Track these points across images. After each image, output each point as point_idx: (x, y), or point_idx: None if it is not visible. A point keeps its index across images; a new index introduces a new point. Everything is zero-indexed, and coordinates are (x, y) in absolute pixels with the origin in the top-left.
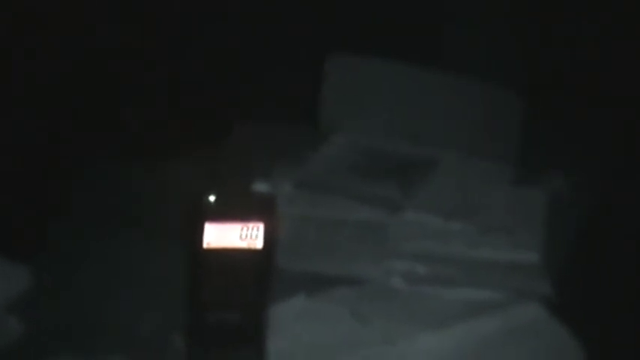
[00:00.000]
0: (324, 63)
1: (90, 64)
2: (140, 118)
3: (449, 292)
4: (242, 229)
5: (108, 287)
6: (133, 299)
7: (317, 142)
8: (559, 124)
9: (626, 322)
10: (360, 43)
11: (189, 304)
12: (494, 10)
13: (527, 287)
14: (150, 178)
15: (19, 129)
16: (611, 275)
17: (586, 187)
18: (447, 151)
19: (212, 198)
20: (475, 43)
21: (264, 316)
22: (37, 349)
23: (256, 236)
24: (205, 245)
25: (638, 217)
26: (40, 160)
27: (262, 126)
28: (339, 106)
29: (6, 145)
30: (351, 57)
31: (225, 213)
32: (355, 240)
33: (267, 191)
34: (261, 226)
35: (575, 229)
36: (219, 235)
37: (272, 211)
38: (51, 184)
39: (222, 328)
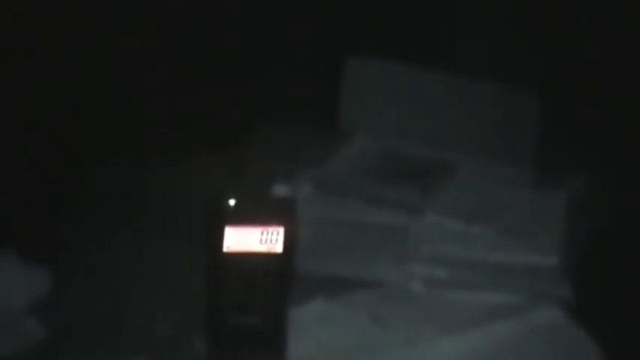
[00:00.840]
0: (345, 65)
1: (105, 64)
2: (160, 119)
3: (468, 296)
4: (262, 232)
5: (126, 289)
6: (152, 301)
7: (337, 145)
8: (577, 125)
9: None
10: (378, 46)
11: (209, 307)
12: (509, 9)
13: (546, 290)
14: (170, 180)
15: (32, 133)
16: (630, 278)
17: (604, 189)
18: (466, 154)
19: (232, 201)
20: (491, 44)
21: (283, 320)
22: (55, 351)
23: (276, 240)
24: (225, 249)
25: None
26: (54, 162)
27: (282, 128)
28: (358, 108)
29: (19, 148)
30: (370, 59)
31: (245, 217)
32: (375, 243)
33: (287, 195)
34: (281, 230)
35: (594, 232)
36: (239, 239)
37: (292, 215)
38: (66, 187)
39: (241, 331)
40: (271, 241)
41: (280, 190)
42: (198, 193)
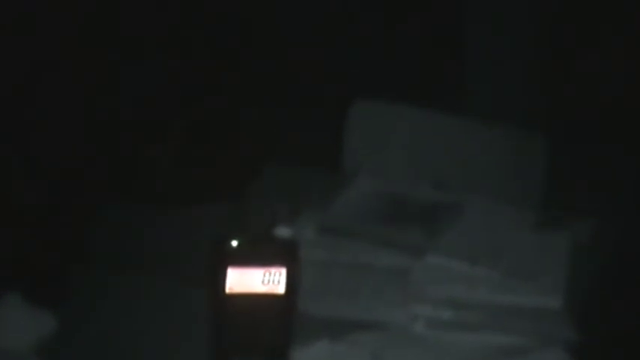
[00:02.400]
0: (350, 107)
1: (117, 113)
2: (164, 161)
3: (472, 337)
4: (264, 274)
5: (132, 331)
6: (157, 342)
7: (341, 188)
8: (582, 168)
9: None
10: (383, 88)
11: (212, 349)
12: (518, 53)
13: (551, 332)
14: (174, 222)
15: (42, 173)
16: (635, 321)
17: (610, 232)
18: (471, 196)
19: (235, 243)
20: (498, 86)
21: None
22: None
23: (278, 281)
24: (228, 290)
25: None
26: (62, 205)
27: (286, 171)
28: (362, 151)
29: (28, 187)
30: (374, 102)
31: (247, 258)
32: (379, 285)
33: (289, 236)
34: (283, 271)
35: (599, 275)
36: (241, 280)
37: (294, 256)
38: (74, 229)
39: None
40: (273, 282)
41: (282, 231)
42: (201, 235)
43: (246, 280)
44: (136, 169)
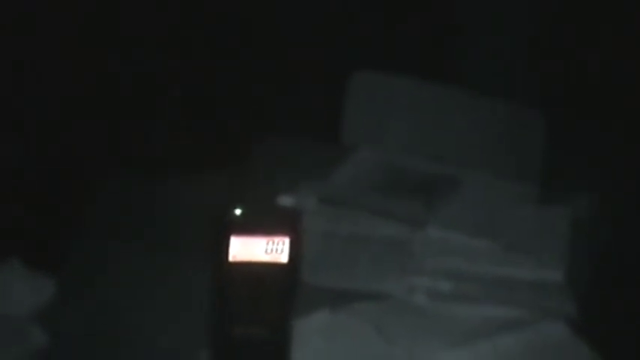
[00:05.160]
0: (350, 78)
1: (116, 78)
2: (166, 131)
3: (472, 310)
4: (267, 243)
5: (131, 300)
6: (156, 312)
7: (342, 158)
8: (582, 141)
9: None
10: (383, 60)
11: (214, 318)
12: (518, 25)
13: (551, 306)
14: (176, 191)
15: (38, 143)
16: (635, 295)
17: (610, 206)
18: (471, 168)
19: (238, 211)
20: (499, 59)
21: (288, 330)
22: None
23: (282, 250)
24: (231, 258)
25: None
26: (64, 173)
27: (288, 140)
28: (362, 122)
29: (25, 159)
30: (375, 74)
31: (250, 227)
32: (379, 256)
33: (292, 206)
34: (286, 241)
35: (600, 248)
36: (244, 249)
37: (297, 226)
38: (74, 197)
39: (246, 341)
40: (277, 251)
41: (286, 200)
42: (203, 203)
43: (250, 249)
44: (136, 139)
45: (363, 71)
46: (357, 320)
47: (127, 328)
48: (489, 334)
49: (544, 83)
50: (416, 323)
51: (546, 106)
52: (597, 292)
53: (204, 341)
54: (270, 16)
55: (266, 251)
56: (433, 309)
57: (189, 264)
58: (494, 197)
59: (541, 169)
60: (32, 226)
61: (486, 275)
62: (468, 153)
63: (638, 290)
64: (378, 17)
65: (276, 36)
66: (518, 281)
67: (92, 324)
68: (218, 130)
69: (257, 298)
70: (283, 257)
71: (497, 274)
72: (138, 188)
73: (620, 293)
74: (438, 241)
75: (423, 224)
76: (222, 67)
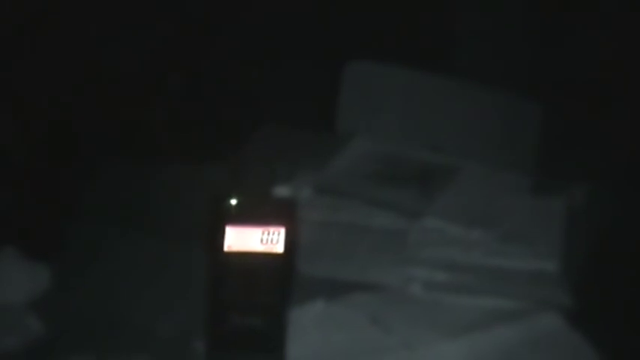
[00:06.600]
0: (346, 68)
1: (110, 65)
2: (165, 119)
3: (467, 300)
4: (263, 233)
5: (128, 288)
6: (153, 300)
7: (338, 148)
8: (578, 132)
9: None
10: (379, 50)
11: (210, 307)
12: (514, 17)
13: (546, 296)
14: (171, 180)
15: (35, 131)
16: (631, 285)
17: (605, 196)
18: (467, 159)
19: (233, 201)
20: (494, 50)
21: (284, 320)
22: (55, 349)
23: (277, 240)
24: (226, 248)
25: None
26: (58, 160)
27: (284, 130)
28: (358, 112)
29: (21, 146)
30: (371, 63)
31: (246, 217)
32: (375, 246)
33: (288, 196)
34: (282, 231)
35: (595, 239)
36: (240, 239)
37: (293, 216)
38: (69, 184)
39: (241, 331)
40: (272, 241)
41: (281, 190)
42: (199, 193)
43: (245, 239)
44: (133, 126)
45: (359, 61)
46: (352, 310)
47: (124, 315)
48: (485, 324)
49: (541, 73)
50: (411, 313)
51: (543, 97)
52: (592, 283)
53: (200, 330)
54: (266, 3)
55: (261, 241)
56: (429, 299)
57: (187, 252)
58: (490, 187)
59: (537, 159)
60: (29, 213)
61: (482, 266)
62: (464, 143)
63: (634, 280)
64: (375, 6)
65: (273, 25)
66: (514, 271)
67: (89, 312)
68: (215, 119)
69: (252, 288)
70: (279, 247)
71: (492, 265)
72: (136, 176)
73: (616, 283)
74: (434, 232)
75: (419, 214)
76: (220, 56)
